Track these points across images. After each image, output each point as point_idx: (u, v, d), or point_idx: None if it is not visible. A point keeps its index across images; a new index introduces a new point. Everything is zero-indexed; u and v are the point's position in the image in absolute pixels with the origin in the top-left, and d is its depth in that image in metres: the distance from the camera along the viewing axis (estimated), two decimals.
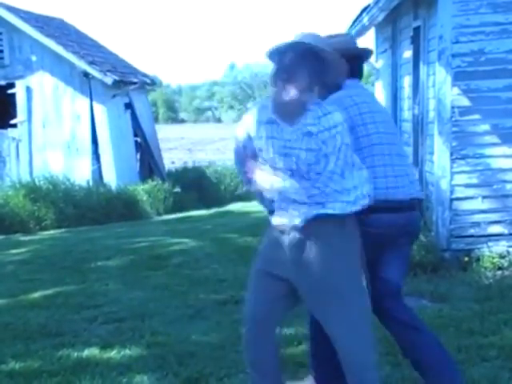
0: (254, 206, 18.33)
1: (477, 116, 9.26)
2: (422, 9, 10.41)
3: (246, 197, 20.48)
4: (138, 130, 21.23)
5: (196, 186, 19.61)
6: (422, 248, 9.10)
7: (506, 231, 9.27)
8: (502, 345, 6.13)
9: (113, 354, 6.32)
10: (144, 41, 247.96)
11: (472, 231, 9.33)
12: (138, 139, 21.21)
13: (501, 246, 9.14)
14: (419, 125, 11.35)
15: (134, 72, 22.46)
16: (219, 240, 12.21)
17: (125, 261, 10.67)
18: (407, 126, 12.69)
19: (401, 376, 5.42)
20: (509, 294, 7.90)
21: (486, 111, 9.26)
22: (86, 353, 6.35)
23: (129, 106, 21.18)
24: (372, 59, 14.33)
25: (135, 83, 21.64)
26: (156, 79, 24.34)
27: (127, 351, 6.36)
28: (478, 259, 9.03)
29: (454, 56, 9.27)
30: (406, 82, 12.59)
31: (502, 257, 9.04)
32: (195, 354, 6.19)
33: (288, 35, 4.47)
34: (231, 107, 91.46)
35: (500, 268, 8.93)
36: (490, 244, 9.10)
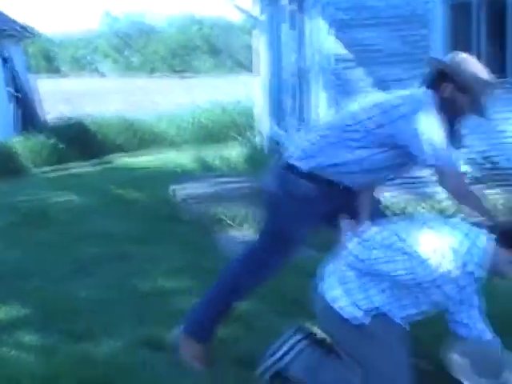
0: (137, 160, 18.28)
1: (357, 66, 9.43)
2: None
3: (127, 148, 20.44)
4: (15, 82, 20.77)
5: (77, 138, 19.23)
6: None
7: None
8: None
9: None
10: None
11: None
12: (15, 92, 20.75)
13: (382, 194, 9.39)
14: (302, 77, 11.47)
15: (8, 21, 21.71)
16: (103, 194, 12.12)
17: (5, 219, 10.46)
18: (290, 78, 12.79)
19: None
20: None
21: (364, 61, 9.45)
22: None
23: (5, 59, 20.53)
24: (256, 12, 14.37)
25: (11, 34, 21.08)
26: (33, 30, 23.72)
27: (11, 310, 6.29)
28: None
29: (334, 6, 9.40)
30: (288, 33, 12.66)
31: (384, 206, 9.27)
32: (81, 310, 6.19)
33: None
34: (107, 56, 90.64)
35: None
36: None
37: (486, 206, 5.08)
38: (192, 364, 4.86)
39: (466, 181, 4.86)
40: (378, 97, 4.85)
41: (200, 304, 5.17)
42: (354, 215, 4.82)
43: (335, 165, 4.65)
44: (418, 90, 4.80)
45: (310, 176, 4.68)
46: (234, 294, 5.08)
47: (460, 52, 4.90)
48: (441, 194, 9.43)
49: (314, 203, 4.74)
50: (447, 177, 4.59)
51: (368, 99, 4.82)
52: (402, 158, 4.66)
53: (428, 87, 4.73)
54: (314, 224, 4.92)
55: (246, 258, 5.10)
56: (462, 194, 4.69)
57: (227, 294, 5.07)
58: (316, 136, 4.79)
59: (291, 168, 4.74)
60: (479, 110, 4.82)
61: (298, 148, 4.82)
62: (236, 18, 71.20)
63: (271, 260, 4.97)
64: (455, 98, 4.68)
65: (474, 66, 4.80)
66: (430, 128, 4.53)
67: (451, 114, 4.70)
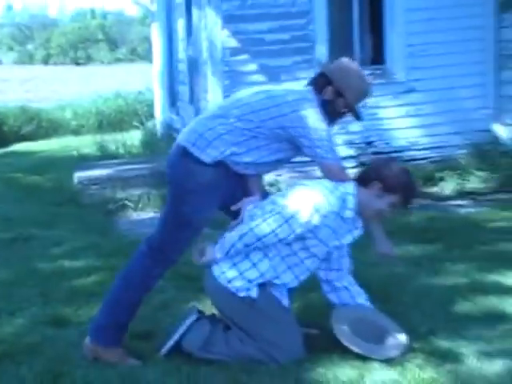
0: (38, 146, 18.05)
1: (245, 56, 9.50)
2: None
3: (29, 137, 20.17)
4: None
5: None
6: None
7: None
8: None
9: None
10: None
11: None
12: None
13: (270, 175, 9.45)
14: (194, 65, 11.49)
15: None
16: (5, 179, 11.96)
17: None
18: (183, 67, 12.80)
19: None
20: None
21: (252, 52, 9.51)
22: None
23: None
24: (153, 6, 14.31)
25: None
26: None
27: None
28: None
29: (223, 1, 9.44)
30: (180, 24, 12.66)
31: (269, 184, 9.36)
32: None
33: None
34: (11, 49, 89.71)
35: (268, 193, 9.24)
36: None
37: None
38: (123, 363, 4.66)
39: (347, 174, 4.89)
40: (270, 89, 4.86)
41: (105, 306, 4.93)
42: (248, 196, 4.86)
43: (234, 153, 4.61)
44: (304, 89, 4.85)
45: (210, 164, 4.61)
46: (142, 288, 4.89)
47: (346, 58, 4.94)
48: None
49: (216, 188, 4.68)
50: (331, 170, 4.70)
51: (261, 90, 4.82)
52: (292, 149, 4.72)
53: (312, 87, 4.79)
54: (215, 208, 4.81)
55: (150, 249, 4.87)
56: None
57: (135, 290, 4.86)
58: (213, 122, 4.70)
59: (190, 155, 4.64)
60: (355, 113, 4.93)
61: (195, 133, 4.69)
62: (135, 11, 70.85)
63: (177, 249, 4.84)
64: (334, 101, 4.77)
65: (354, 72, 4.87)
66: (318, 124, 4.61)
67: (330, 114, 4.79)
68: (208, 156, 4.61)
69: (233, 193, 4.79)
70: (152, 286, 4.95)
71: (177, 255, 4.86)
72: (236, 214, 4.82)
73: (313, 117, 4.62)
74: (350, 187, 4.54)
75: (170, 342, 4.61)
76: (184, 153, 4.66)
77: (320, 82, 4.79)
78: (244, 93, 4.88)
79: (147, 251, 4.86)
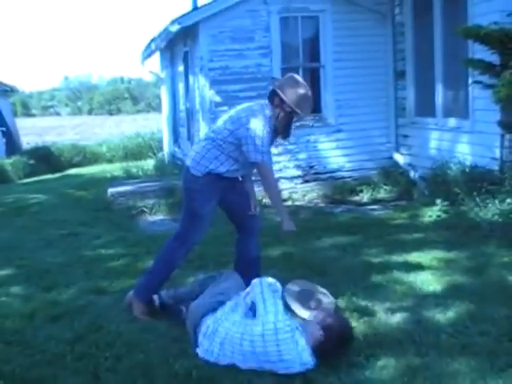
0: (84, 171, 17.97)
1: (225, 107, 9.43)
2: (189, 39, 10.46)
3: (78, 164, 20.15)
4: (3, 122, 20.67)
5: (44, 158, 19.13)
6: None
7: None
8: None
9: None
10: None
11: None
12: (4, 129, 20.58)
13: None
14: (190, 114, 11.47)
15: None
16: (62, 194, 11.88)
17: None
18: (183, 115, 12.78)
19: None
20: None
21: (230, 104, 9.46)
22: None
23: None
24: (158, 71, 14.29)
25: (1, 91, 20.96)
26: (14, 87, 23.33)
27: (3, 272, 6.15)
28: None
29: (209, 69, 9.45)
30: (181, 86, 12.63)
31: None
32: (50, 270, 6.08)
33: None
34: (66, 105, 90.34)
35: None
36: None
37: (281, 199, 5.17)
38: (140, 318, 4.60)
39: (275, 177, 4.73)
40: (232, 112, 4.66)
41: (145, 275, 4.91)
42: (240, 193, 4.82)
43: (215, 166, 4.57)
44: (258, 102, 4.67)
45: (202, 176, 4.60)
46: (170, 265, 4.81)
47: (290, 73, 4.74)
48: (283, 189, 9.68)
49: (211, 189, 4.62)
50: (261, 169, 4.52)
51: (227, 116, 4.66)
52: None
53: (268, 100, 4.60)
54: (213, 204, 4.71)
55: (176, 238, 4.77)
56: (269, 185, 4.60)
57: (165, 265, 4.81)
58: (199, 147, 4.69)
59: (188, 170, 4.65)
60: (287, 130, 4.63)
61: (190, 157, 4.70)
62: (150, 78, 71.33)
63: (193, 235, 4.72)
64: (280, 106, 4.53)
65: (292, 81, 4.59)
66: (256, 132, 4.41)
67: (282, 123, 4.57)
68: (198, 171, 4.61)
69: (226, 191, 4.73)
70: (177, 263, 4.86)
71: (193, 238, 4.75)
72: (229, 209, 4.87)
73: (253, 126, 4.42)
74: None
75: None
76: (188, 169, 4.69)
77: (271, 95, 4.58)
78: (219, 121, 4.74)
79: (173, 238, 4.79)
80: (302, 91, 4.52)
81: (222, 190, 4.72)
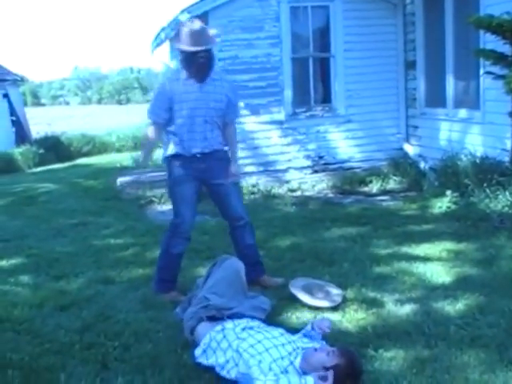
0: (93, 160, 17.99)
1: None
2: None
3: (87, 154, 20.17)
4: (13, 112, 20.70)
5: (54, 148, 19.15)
6: None
7: (255, 169, 9.60)
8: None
9: (3, 263, 6.12)
10: (10, 47, 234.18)
11: None
12: (14, 118, 20.66)
13: (252, 179, 9.46)
14: None
15: (8, 72, 21.50)
16: (71, 183, 11.91)
17: (7, 200, 10.24)
18: None
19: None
20: (259, 208, 8.23)
21: (240, 94, 9.44)
22: None
23: (6, 95, 20.53)
24: (167, 60, 14.24)
25: (9, 80, 20.96)
26: (24, 77, 23.46)
27: (13, 261, 6.18)
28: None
29: (219, 59, 9.38)
30: None
31: (253, 186, 9.35)
32: (59, 259, 6.11)
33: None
34: (76, 94, 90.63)
35: (252, 193, 9.26)
36: (246, 178, 9.38)
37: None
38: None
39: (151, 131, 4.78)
40: None
41: (156, 270, 5.02)
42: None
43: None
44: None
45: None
46: (171, 251, 4.90)
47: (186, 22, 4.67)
48: (292, 179, 9.66)
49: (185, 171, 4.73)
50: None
51: None
52: None
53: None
54: (192, 184, 4.77)
55: (170, 225, 4.94)
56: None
57: (167, 253, 4.91)
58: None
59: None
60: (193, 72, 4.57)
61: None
62: (159, 67, 71.50)
63: (182, 220, 4.84)
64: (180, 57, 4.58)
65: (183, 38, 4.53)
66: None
67: (188, 67, 4.58)
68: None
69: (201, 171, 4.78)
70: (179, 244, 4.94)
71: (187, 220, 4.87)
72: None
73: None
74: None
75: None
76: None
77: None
78: None
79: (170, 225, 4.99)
80: (185, 30, 4.49)
81: (198, 173, 4.81)
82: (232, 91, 4.81)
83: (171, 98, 4.62)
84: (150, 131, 4.79)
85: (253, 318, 3.87)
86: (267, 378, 3.21)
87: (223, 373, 3.45)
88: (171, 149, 4.75)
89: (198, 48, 4.45)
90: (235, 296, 4.07)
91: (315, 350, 3.39)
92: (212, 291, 4.03)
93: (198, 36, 4.45)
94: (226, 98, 4.75)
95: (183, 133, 4.68)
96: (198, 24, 4.50)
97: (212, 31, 4.62)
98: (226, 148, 4.91)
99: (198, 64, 4.50)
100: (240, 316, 3.85)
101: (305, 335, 3.71)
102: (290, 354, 3.42)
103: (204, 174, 4.77)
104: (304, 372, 3.31)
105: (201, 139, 4.71)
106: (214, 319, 3.83)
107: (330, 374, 3.20)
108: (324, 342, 3.65)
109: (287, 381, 3.20)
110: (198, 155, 4.72)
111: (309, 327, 3.76)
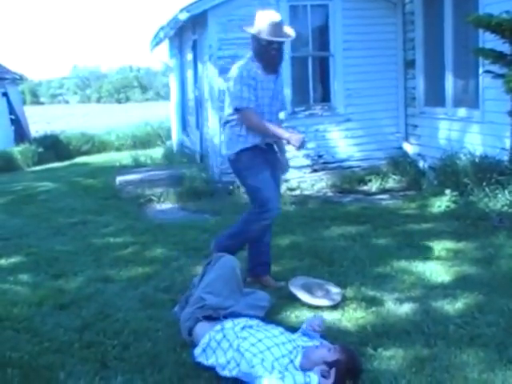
0: (92, 159, 17.99)
1: None
2: (198, 27, 10.44)
3: (87, 153, 20.18)
4: (12, 110, 20.68)
5: (53, 146, 19.17)
6: (203, 181, 9.29)
7: None
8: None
9: (2, 262, 6.11)
10: (10, 46, 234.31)
11: None
12: (13, 117, 20.63)
13: None
14: (199, 102, 11.44)
15: (7, 71, 21.49)
16: (70, 182, 11.90)
17: (6, 199, 10.23)
18: (191, 103, 12.75)
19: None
20: None
21: None
22: None
23: (5, 94, 20.53)
24: (170, 62, 14.21)
25: (8, 79, 20.96)
26: (23, 76, 23.44)
27: (12, 259, 6.16)
28: (238, 187, 9.29)
29: (218, 58, 9.41)
30: (190, 74, 12.61)
31: None
32: (58, 258, 6.10)
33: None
34: (75, 93, 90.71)
35: None
36: None
37: (271, 129, 4.83)
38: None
39: (255, 120, 4.64)
40: None
41: (248, 256, 5.02)
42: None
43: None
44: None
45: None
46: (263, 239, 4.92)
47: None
48: (291, 178, 9.65)
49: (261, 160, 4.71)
50: (241, 116, 4.65)
51: None
52: None
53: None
54: (269, 172, 4.75)
55: (255, 215, 4.80)
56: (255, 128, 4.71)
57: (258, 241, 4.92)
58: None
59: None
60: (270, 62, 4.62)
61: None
62: (159, 66, 71.64)
63: (272, 206, 4.73)
64: (252, 43, 4.69)
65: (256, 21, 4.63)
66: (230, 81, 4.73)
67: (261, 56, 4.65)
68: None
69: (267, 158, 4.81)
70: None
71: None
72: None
73: (230, 79, 4.68)
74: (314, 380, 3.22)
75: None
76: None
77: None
78: None
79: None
80: (266, 20, 4.56)
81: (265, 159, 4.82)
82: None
83: (256, 85, 4.60)
84: (254, 117, 4.62)
85: (250, 316, 3.86)
86: (273, 376, 3.20)
87: (224, 372, 3.44)
88: (249, 141, 4.68)
89: (276, 39, 4.53)
90: (231, 294, 4.03)
91: (316, 347, 3.40)
92: (207, 291, 3.99)
93: (278, 27, 4.54)
94: (283, 91, 4.95)
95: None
96: (278, 16, 4.61)
97: (288, 27, 4.76)
98: None
99: (269, 55, 4.58)
100: (237, 315, 3.83)
101: (303, 334, 3.72)
102: (290, 352, 3.41)
103: (270, 164, 4.80)
104: (304, 370, 3.31)
105: None
106: (210, 319, 3.82)
107: (333, 371, 3.21)
108: (323, 341, 3.65)
109: (292, 377, 3.20)
110: (269, 146, 4.81)
111: (304, 326, 3.76)
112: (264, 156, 4.76)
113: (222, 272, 4.12)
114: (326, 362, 3.25)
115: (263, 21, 4.55)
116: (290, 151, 9.62)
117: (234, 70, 4.66)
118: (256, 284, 4.87)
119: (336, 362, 3.23)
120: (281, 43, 4.57)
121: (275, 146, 4.95)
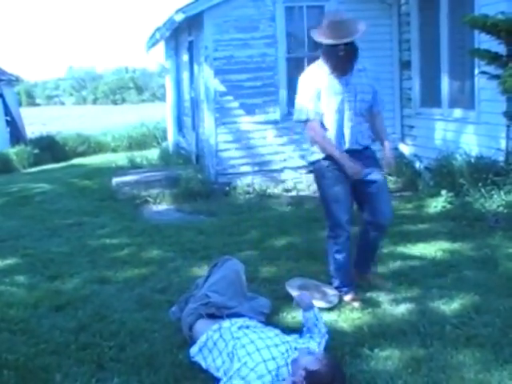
0: (88, 160, 17.96)
1: (230, 97, 9.49)
2: (194, 29, 10.43)
3: (83, 154, 20.14)
4: (8, 112, 20.62)
5: (49, 148, 19.12)
6: (199, 182, 9.29)
7: (250, 169, 9.59)
8: (249, 240, 6.44)
9: None
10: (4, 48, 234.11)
11: (230, 170, 9.56)
12: (8, 118, 20.58)
13: (247, 179, 9.45)
14: (195, 103, 11.44)
15: (3, 72, 21.44)
16: (66, 183, 11.87)
17: (2, 200, 10.19)
18: (187, 104, 12.75)
19: None
20: (254, 208, 8.25)
21: (235, 94, 9.50)
22: None
23: (1, 95, 20.45)
24: (166, 63, 14.19)
25: (4, 80, 20.90)
26: (19, 77, 23.37)
27: (8, 261, 6.16)
28: (234, 188, 9.31)
29: (214, 59, 9.41)
30: (185, 75, 12.60)
31: (248, 186, 9.35)
32: (54, 260, 6.09)
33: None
34: (71, 94, 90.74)
35: (248, 193, 9.25)
36: (241, 178, 9.39)
37: (333, 148, 4.58)
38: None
39: (320, 132, 4.45)
40: None
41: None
42: None
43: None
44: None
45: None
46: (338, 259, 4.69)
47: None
48: (287, 179, 9.65)
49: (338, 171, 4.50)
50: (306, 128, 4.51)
51: None
52: None
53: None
54: (345, 185, 4.54)
55: (329, 231, 4.74)
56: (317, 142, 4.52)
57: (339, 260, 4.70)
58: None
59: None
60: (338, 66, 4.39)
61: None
62: (154, 67, 71.64)
63: (338, 223, 4.63)
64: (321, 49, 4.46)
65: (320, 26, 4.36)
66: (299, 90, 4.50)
67: (329, 62, 4.43)
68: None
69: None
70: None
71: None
72: None
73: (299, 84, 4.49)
74: None
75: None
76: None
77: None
78: None
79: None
80: (325, 22, 4.29)
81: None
82: (376, 80, 4.66)
83: (319, 93, 4.39)
84: (316, 130, 4.43)
85: (251, 318, 3.88)
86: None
87: (219, 374, 3.45)
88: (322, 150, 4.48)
89: (336, 41, 4.24)
90: (235, 296, 4.07)
91: (308, 352, 3.38)
92: (213, 289, 4.04)
93: (337, 28, 4.24)
94: (372, 88, 4.59)
95: (333, 130, 4.46)
96: (338, 15, 4.35)
97: (357, 22, 4.41)
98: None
99: (337, 57, 4.29)
100: (239, 316, 3.85)
101: (308, 330, 3.73)
102: (282, 354, 3.41)
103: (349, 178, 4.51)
104: (291, 373, 3.26)
105: (351, 135, 4.50)
106: (213, 317, 3.83)
107: (305, 382, 3.12)
108: (323, 340, 3.66)
109: None
110: (349, 153, 4.47)
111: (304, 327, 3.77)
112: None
113: (227, 273, 4.18)
114: (306, 369, 3.15)
115: (324, 23, 4.29)
116: (286, 152, 9.76)
117: (299, 80, 4.48)
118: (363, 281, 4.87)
119: (312, 373, 3.12)
120: (345, 44, 4.25)
121: (372, 152, 4.77)
